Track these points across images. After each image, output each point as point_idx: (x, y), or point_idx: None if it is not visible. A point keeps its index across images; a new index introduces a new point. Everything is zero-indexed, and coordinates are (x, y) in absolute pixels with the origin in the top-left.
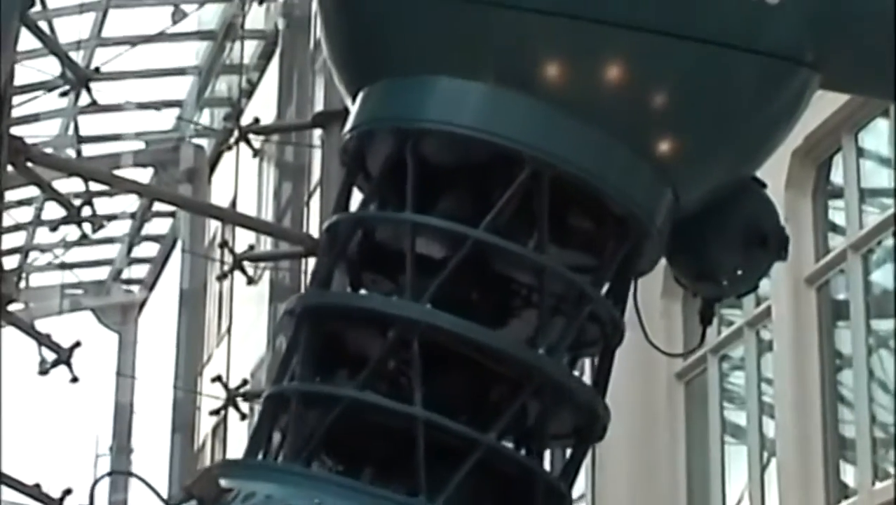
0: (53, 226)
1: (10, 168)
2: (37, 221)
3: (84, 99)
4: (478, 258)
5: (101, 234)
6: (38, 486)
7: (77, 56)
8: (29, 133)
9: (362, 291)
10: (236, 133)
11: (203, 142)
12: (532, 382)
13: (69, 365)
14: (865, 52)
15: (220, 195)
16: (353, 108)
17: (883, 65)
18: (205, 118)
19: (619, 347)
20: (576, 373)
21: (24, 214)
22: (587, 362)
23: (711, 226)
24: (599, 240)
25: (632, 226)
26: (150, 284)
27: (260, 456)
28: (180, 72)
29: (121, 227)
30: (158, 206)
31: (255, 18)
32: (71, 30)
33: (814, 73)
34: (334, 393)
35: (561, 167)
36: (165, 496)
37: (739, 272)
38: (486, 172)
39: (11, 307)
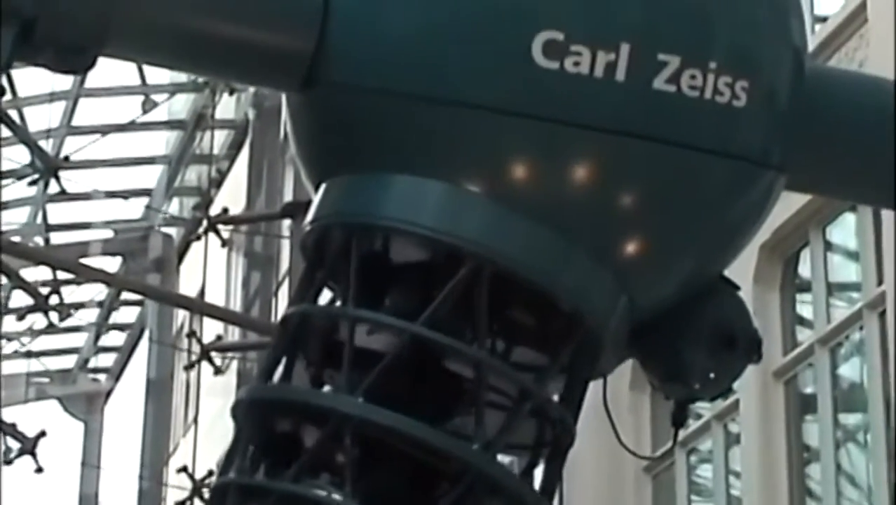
0: (20, 314)
1: None
2: (3, 309)
3: (53, 187)
4: (421, 352)
5: (68, 323)
6: None
7: (47, 144)
8: None
9: (326, 387)
10: (205, 223)
11: (172, 231)
12: (466, 478)
13: (34, 455)
14: (832, 155)
15: (188, 284)
16: (314, 202)
17: (848, 168)
18: (174, 207)
19: (569, 449)
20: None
21: None
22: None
23: (681, 327)
24: (548, 338)
25: (582, 327)
26: (116, 374)
27: None
28: (150, 161)
29: (88, 316)
30: (126, 295)
31: (226, 108)
32: (41, 118)
33: (780, 175)
34: (267, 486)
35: (502, 264)
36: None
37: (711, 375)
38: (433, 267)
39: None
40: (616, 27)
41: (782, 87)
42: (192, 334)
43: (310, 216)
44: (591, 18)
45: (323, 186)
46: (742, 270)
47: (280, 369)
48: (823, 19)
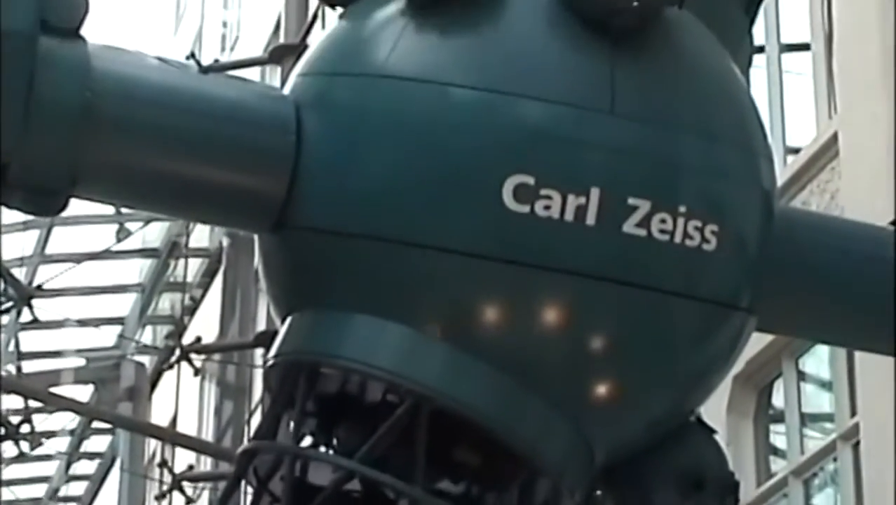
0: None
1: None
2: None
3: (26, 315)
4: (367, 486)
5: (38, 451)
6: None
7: (20, 273)
8: None
9: None
10: (178, 352)
11: (144, 359)
12: None
13: None
14: (802, 297)
15: (160, 413)
16: (278, 337)
17: (819, 310)
18: (147, 336)
19: None
20: None
21: None
22: None
23: (651, 468)
24: (499, 476)
25: (536, 470)
26: (87, 503)
27: None
28: (123, 289)
29: (59, 444)
30: (98, 424)
31: (200, 236)
32: (14, 247)
33: (750, 316)
34: None
35: (458, 409)
36: None
37: None
38: (378, 404)
39: None
40: (586, 171)
41: (752, 231)
42: (163, 464)
43: (272, 351)
44: (562, 163)
45: (288, 321)
46: (716, 400)
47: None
48: (796, 150)
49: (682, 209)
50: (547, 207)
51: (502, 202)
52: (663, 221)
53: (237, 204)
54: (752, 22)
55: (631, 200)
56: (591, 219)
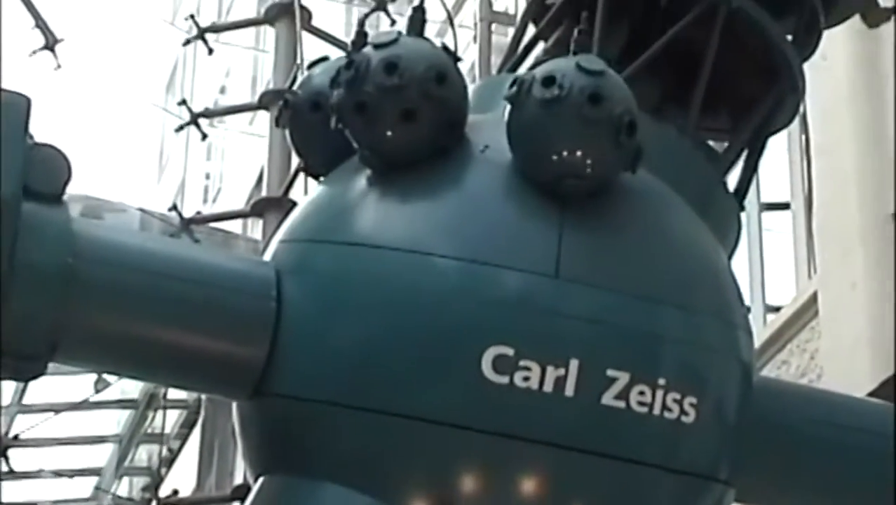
0: None
1: None
2: None
3: (2, 466)
4: None
5: None
6: None
7: None
8: None
9: None
10: (154, 504)
11: None
12: None
13: None
14: (781, 468)
15: None
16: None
17: (798, 481)
18: (123, 487)
19: None
20: None
21: None
22: None
23: None
24: None
25: None
26: None
27: None
28: (101, 440)
29: None
30: None
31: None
32: None
33: (729, 488)
34: None
35: None
36: None
37: None
38: None
39: None
40: (565, 343)
41: (730, 403)
42: None
43: None
44: (541, 334)
45: (259, 482)
46: None
47: None
48: (776, 309)
49: (662, 382)
50: (526, 379)
51: (481, 373)
52: (642, 394)
53: (216, 370)
54: (741, 201)
55: (610, 372)
56: (570, 390)
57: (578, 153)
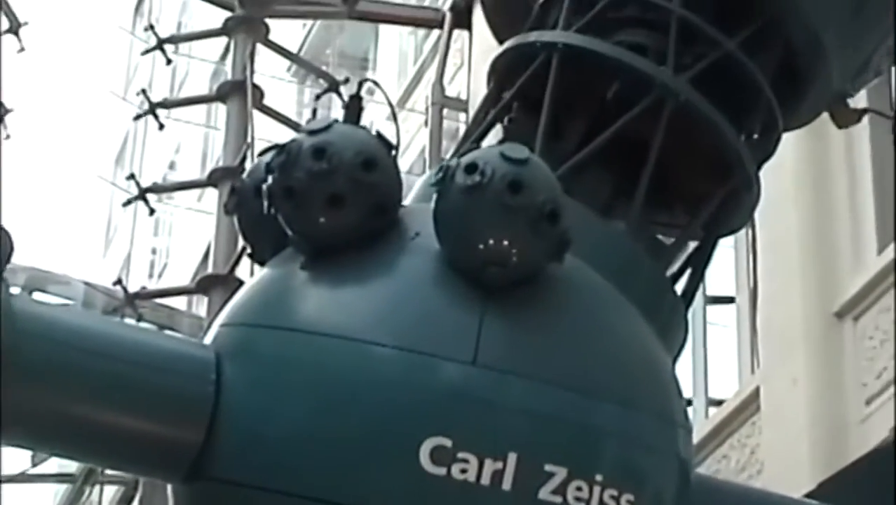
0: None
1: None
2: None
3: None
4: None
5: None
6: None
7: None
8: None
9: None
10: None
11: None
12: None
13: None
14: None
15: None
16: None
17: None
18: None
19: None
20: None
21: None
22: None
23: None
24: None
25: None
26: None
27: None
28: None
29: None
30: None
31: None
32: None
33: None
34: None
35: None
36: None
37: None
38: None
39: None
40: (504, 436)
41: (668, 501)
42: None
43: None
44: (480, 427)
45: None
46: None
47: None
48: (718, 403)
49: (599, 478)
50: (463, 471)
51: (419, 464)
52: (579, 489)
53: (151, 452)
54: (689, 302)
55: (548, 467)
56: (507, 484)
57: (500, 241)
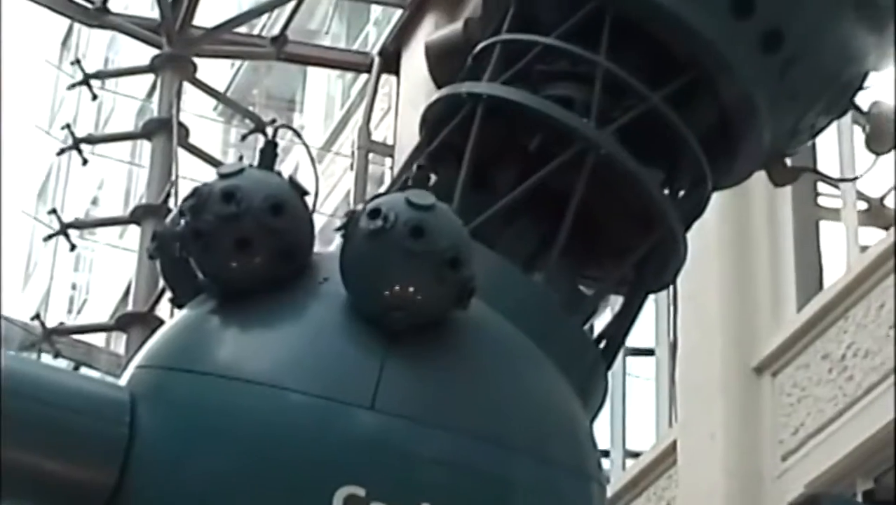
0: None
1: None
2: None
3: None
4: None
5: None
6: None
7: None
8: None
9: None
10: None
11: None
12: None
13: None
14: None
15: None
16: None
17: None
18: None
19: None
20: None
21: None
22: None
23: None
24: None
25: None
26: None
27: None
28: None
29: None
30: None
31: None
32: None
33: None
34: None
35: None
36: None
37: None
38: None
39: None
40: (418, 486)
41: None
42: None
43: None
44: (394, 476)
45: None
46: None
47: None
48: (636, 455)
49: None
50: None
51: None
52: None
53: (63, 494)
54: (611, 358)
55: None
56: None
57: (401, 286)
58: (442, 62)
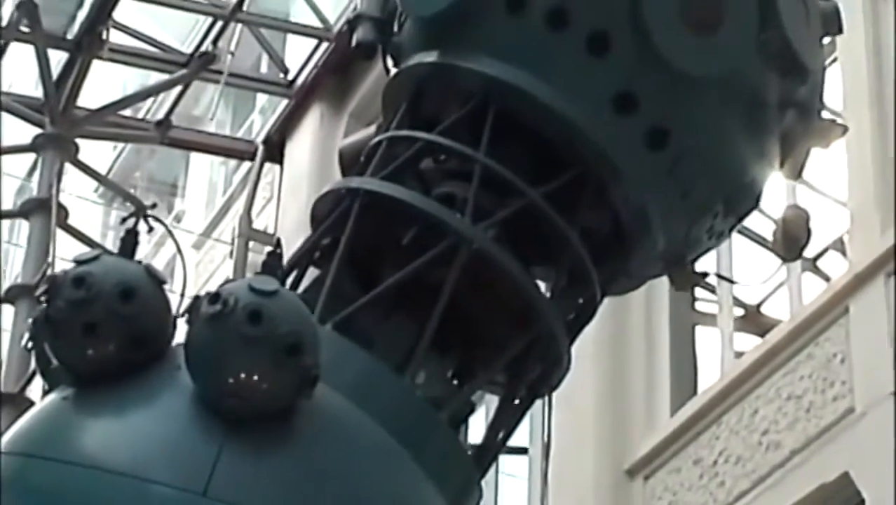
0: None
1: None
2: None
3: None
4: None
5: None
6: None
7: None
8: None
9: None
10: None
11: None
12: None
13: None
14: None
15: None
16: None
17: None
18: None
19: None
20: None
21: None
22: None
23: None
24: None
25: None
26: None
27: None
28: None
29: None
30: None
31: None
32: None
33: None
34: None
35: None
36: None
37: None
38: None
39: None
40: None
41: None
42: None
43: None
44: None
45: None
46: None
47: None
48: None
49: None
50: None
51: None
52: None
53: None
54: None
55: None
56: None
57: (239, 372)
58: (354, 165)
